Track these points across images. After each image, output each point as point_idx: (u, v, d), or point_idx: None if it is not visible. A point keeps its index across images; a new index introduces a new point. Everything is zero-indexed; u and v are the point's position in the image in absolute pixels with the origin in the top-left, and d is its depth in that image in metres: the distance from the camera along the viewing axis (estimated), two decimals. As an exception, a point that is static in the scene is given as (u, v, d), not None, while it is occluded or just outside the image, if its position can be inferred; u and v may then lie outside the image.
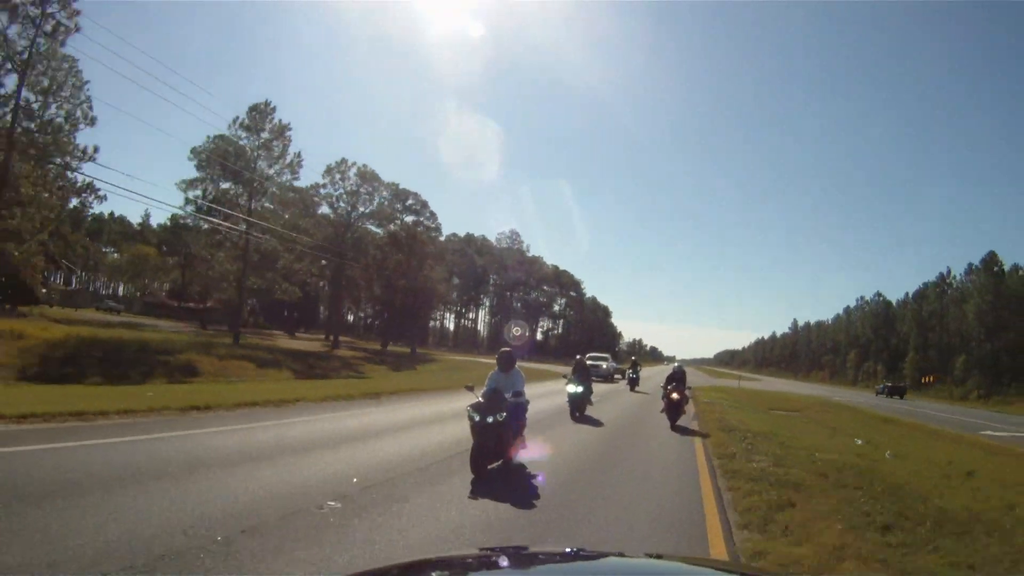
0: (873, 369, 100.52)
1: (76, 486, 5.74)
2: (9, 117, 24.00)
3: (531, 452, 9.17)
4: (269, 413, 12.64)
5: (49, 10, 24.66)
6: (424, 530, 5.33)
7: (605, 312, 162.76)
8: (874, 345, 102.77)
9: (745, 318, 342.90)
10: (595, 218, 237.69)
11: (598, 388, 20.74)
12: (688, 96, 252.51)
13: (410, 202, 58.92)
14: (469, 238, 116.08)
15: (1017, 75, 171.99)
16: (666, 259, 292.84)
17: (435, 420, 13.43)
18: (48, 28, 24.69)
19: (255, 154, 34.56)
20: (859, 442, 15.23)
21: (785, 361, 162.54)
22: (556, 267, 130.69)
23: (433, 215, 59.78)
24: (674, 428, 15.07)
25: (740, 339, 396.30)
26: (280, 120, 35.14)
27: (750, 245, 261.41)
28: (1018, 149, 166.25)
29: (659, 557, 2.77)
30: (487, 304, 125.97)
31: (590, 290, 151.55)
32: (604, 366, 38.71)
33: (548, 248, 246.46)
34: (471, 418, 8.01)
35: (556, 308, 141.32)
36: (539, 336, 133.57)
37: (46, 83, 24.67)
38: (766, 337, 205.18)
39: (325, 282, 63.06)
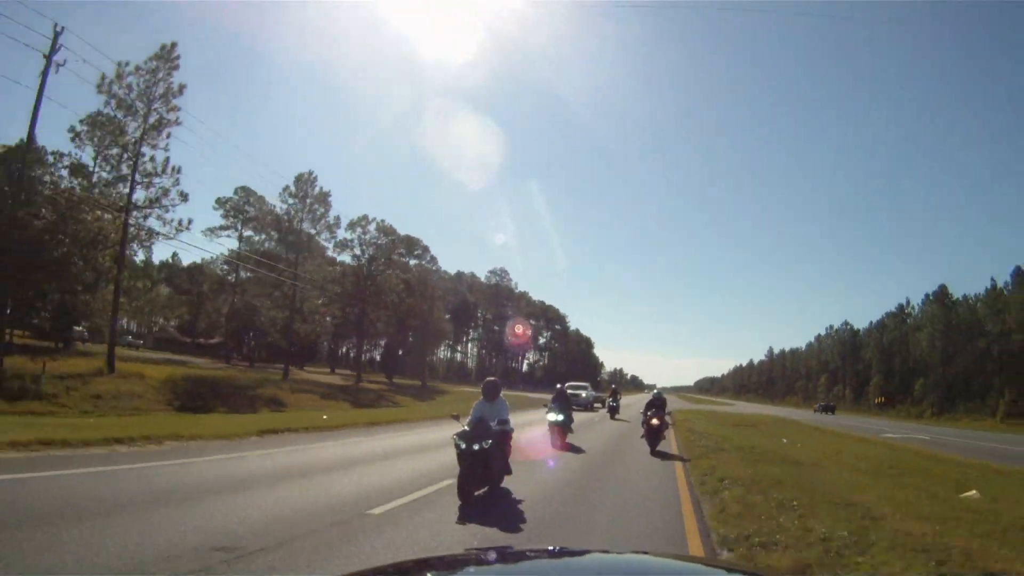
0: (842, 393, 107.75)
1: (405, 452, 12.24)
2: (123, 197, 30.22)
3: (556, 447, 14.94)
4: (419, 426, 20.13)
5: (154, 106, 30.93)
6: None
7: (588, 343, 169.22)
8: (841, 371, 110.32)
9: (724, 346, 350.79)
10: (580, 247, 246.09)
11: (578, 417, 22.00)
12: (669, 131, 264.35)
13: (416, 251, 65.38)
14: (460, 275, 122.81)
15: (981, 109, 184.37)
16: (648, 288, 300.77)
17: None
18: (152, 120, 30.83)
19: (299, 216, 41.15)
20: (784, 440, 21.60)
21: (762, 387, 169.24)
22: (543, 302, 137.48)
23: (434, 259, 66.54)
24: (654, 453, 15.39)
25: (720, 366, 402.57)
26: (322, 188, 42.06)
27: (730, 274, 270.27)
28: (978, 185, 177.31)
29: (645, 554, 2.68)
30: (476, 338, 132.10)
31: (574, 322, 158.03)
32: (584, 395, 38.83)
33: (534, 275, 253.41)
34: (457, 446, 8.30)
35: (542, 341, 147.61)
36: (525, 368, 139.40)
37: (150, 168, 30.76)
38: (744, 364, 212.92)
39: (332, 318, 69.31)
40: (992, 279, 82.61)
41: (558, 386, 20.00)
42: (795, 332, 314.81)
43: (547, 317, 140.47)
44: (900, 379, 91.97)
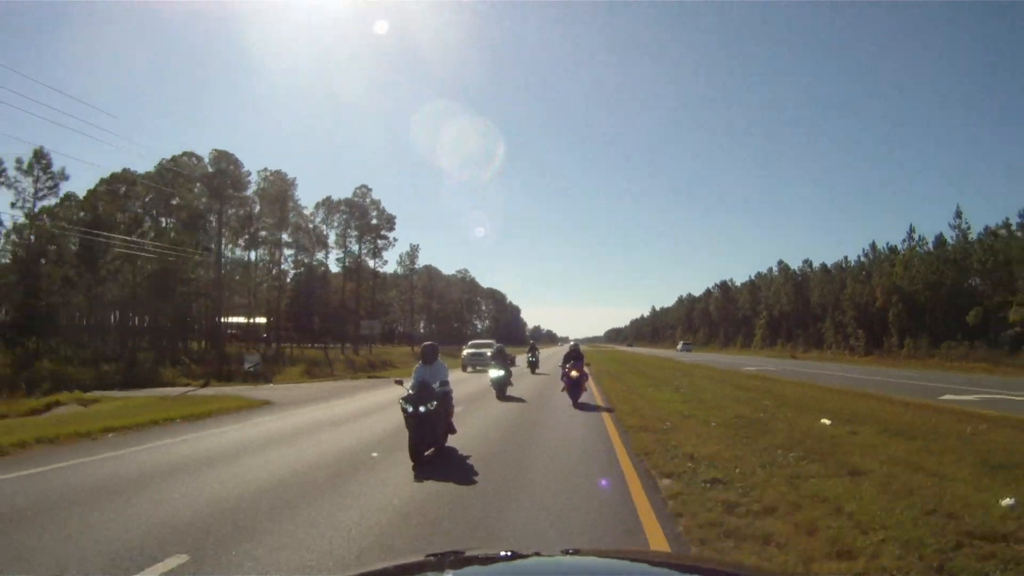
0: (692, 338, 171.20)
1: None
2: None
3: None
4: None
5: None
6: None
7: (516, 310, 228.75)
8: (684, 324, 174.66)
9: (630, 295, 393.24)
10: (506, 210, 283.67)
11: (483, 376, 23.98)
12: (580, 95, 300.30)
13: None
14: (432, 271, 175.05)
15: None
16: (562, 240, 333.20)
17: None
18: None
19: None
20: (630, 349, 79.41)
21: (649, 336, 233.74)
22: (492, 288, 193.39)
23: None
24: (576, 405, 15.64)
25: (625, 315, 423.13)
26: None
27: (633, 233, 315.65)
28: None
29: (620, 556, 2.65)
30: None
31: (507, 294, 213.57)
32: (488, 353, 31.53)
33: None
34: (404, 410, 8.78)
35: (488, 312, 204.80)
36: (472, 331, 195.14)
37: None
38: (638, 317, 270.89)
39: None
40: (758, 271, 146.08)
41: (497, 345, 23.88)
42: (669, 290, 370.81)
43: (494, 298, 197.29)
44: (709, 330, 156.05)
